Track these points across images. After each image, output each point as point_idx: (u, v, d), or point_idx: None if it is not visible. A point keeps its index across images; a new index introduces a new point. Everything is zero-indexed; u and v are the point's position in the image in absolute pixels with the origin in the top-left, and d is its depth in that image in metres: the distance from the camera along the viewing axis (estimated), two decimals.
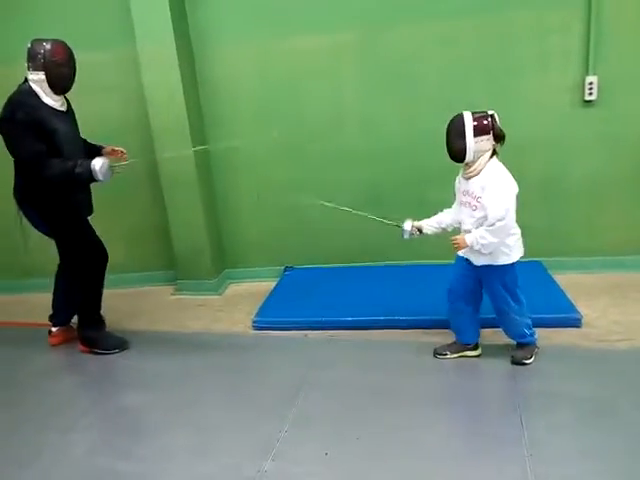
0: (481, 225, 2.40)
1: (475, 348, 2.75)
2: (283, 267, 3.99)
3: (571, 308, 3.01)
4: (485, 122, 2.32)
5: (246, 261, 4.11)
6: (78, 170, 2.71)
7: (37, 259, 4.21)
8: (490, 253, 2.40)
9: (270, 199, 3.90)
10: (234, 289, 4.03)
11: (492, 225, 2.33)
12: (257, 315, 3.35)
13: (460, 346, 2.75)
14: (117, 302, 3.87)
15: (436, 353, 2.77)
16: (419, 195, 3.69)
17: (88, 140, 3.11)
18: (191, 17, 3.65)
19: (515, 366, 2.62)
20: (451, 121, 2.38)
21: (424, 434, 2.22)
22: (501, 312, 2.60)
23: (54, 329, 3.32)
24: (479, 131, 2.31)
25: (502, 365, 2.64)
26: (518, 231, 2.48)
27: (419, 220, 2.72)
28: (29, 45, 2.73)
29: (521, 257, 2.52)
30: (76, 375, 2.97)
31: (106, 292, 4.02)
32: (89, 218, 3.11)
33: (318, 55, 3.59)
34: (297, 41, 3.58)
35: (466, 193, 2.44)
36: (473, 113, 2.35)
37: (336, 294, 3.48)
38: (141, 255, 4.16)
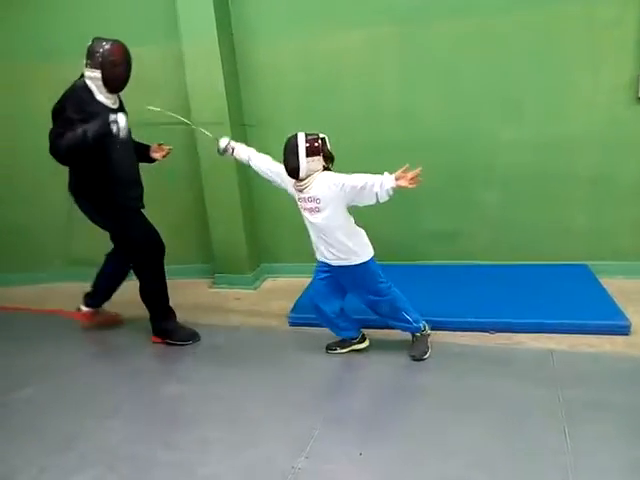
0: (328, 233, 2.57)
1: (362, 341, 2.88)
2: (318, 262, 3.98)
3: (619, 314, 2.88)
4: (316, 144, 2.51)
5: (282, 257, 4.12)
6: (92, 128, 2.68)
7: (78, 249, 4.37)
8: (347, 252, 2.59)
9: None
10: (270, 284, 4.05)
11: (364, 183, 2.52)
12: (293, 311, 3.35)
13: (347, 342, 2.88)
14: None
15: (327, 348, 2.91)
16: (461, 193, 3.64)
17: (137, 140, 3.19)
18: (234, 13, 3.67)
19: (550, 373, 2.53)
20: (287, 140, 2.55)
21: (461, 437, 2.17)
22: (375, 306, 2.75)
23: (84, 309, 3.40)
24: (310, 152, 2.48)
25: (546, 371, 2.55)
26: (363, 231, 2.67)
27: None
28: (90, 43, 2.81)
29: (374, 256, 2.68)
30: (115, 364, 3.05)
31: None
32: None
33: (358, 49, 3.55)
34: (337, 36, 3.55)
35: (305, 200, 2.59)
36: (306, 135, 2.52)
37: None
38: (181, 248, 4.20)
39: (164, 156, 3.18)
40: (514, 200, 3.56)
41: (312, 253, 3.98)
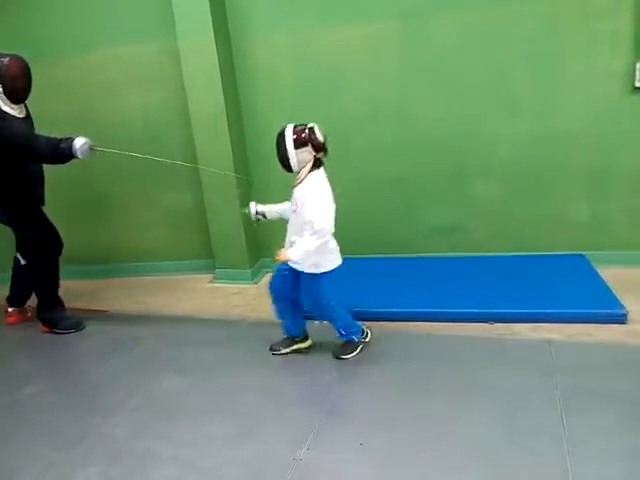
0: (299, 233, 2.54)
1: (304, 340, 2.89)
2: None
3: (616, 303, 2.90)
4: (303, 135, 2.46)
5: None
6: (63, 145, 2.91)
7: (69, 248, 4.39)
8: (314, 264, 2.57)
9: None
10: (270, 278, 4.05)
11: (315, 232, 2.45)
12: None
13: (290, 340, 2.89)
14: (156, 289, 4.00)
15: (271, 349, 2.91)
16: (459, 188, 3.65)
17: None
18: (229, 9, 3.66)
19: (548, 362, 2.56)
20: (277, 133, 2.52)
21: (460, 427, 2.19)
22: (317, 313, 2.80)
23: (10, 309, 3.64)
24: (298, 143, 2.44)
25: (544, 361, 2.58)
26: (332, 245, 2.62)
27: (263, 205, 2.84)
28: None
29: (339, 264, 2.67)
30: (116, 360, 3.05)
31: (146, 279, 4.17)
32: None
33: (357, 45, 3.54)
34: (336, 31, 3.54)
35: (293, 200, 2.60)
36: (294, 126, 2.49)
37: (370, 285, 3.46)
38: (180, 244, 4.25)
39: None
40: (512, 193, 3.57)
41: None
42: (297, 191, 2.56)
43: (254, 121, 3.86)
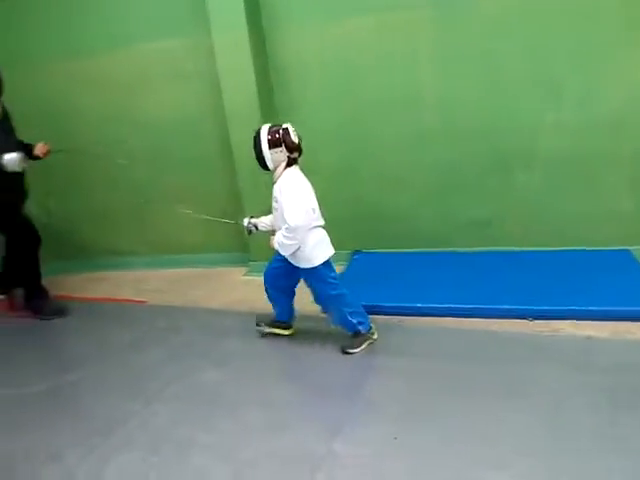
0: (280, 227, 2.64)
1: (287, 328, 3.01)
2: (351, 251, 3.99)
3: None
4: (277, 136, 2.54)
5: None
6: None
7: (121, 240, 4.52)
8: (293, 254, 2.64)
9: (339, 184, 3.89)
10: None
11: (287, 228, 2.54)
12: None
13: (274, 322, 3.02)
14: (194, 281, 4.08)
15: (257, 323, 3.07)
16: (501, 179, 3.55)
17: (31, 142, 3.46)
18: (263, 1, 3.66)
19: (590, 360, 2.49)
20: (255, 132, 2.60)
21: (500, 424, 2.15)
22: (322, 305, 2.91)
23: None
24: (272, 144, 2.53)
25: (587, 358, 2.51)
26: (318, 237, 2.66)
27: (257, 217, 2.91)
28: None
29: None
30: (156, 350, 3.13)
31: (184, 271, 4.25)
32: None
33: (393, 33, 3.47)
34: (372, 20, 3.48)
35: (273, 197, 2.67)
36: (270, 127, 2.57)
37: (404, 279, 3.43)
38: (217, 237, 4.28)
39: (45, 153, 3.44)
40: (555, 184, 3.45)
41: (344, 241, 4.01)
42: (275, 188, 2.65)
43: (288, 114, 3.84)
